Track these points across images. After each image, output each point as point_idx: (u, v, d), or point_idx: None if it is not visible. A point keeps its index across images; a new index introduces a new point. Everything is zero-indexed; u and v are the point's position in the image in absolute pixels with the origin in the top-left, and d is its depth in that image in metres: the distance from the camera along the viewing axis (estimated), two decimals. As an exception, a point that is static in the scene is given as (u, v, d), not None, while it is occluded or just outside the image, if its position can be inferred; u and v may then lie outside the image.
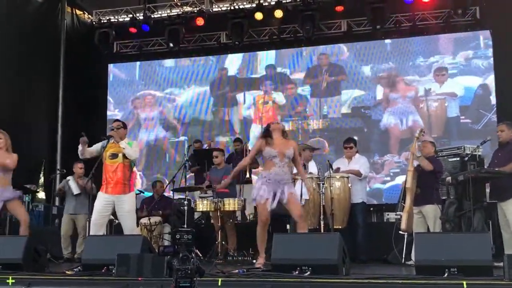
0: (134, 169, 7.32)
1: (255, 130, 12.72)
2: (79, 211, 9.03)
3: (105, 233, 7.43)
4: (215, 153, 9.12)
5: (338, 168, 8.41)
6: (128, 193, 6.91)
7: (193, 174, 10.84)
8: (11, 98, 11.25)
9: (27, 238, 6.39)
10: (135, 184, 12.34)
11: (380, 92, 12.17)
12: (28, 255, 6.14)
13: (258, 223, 6.55)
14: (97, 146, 7.08)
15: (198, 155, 10.60)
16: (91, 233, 6.73)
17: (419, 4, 11.51)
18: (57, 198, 9.75)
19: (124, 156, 6.87)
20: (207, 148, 10.86)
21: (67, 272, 6.07)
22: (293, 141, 6.98)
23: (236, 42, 12.44)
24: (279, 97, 12.81)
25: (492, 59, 11.46)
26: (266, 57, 13.08)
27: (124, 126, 7.17)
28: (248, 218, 10.16)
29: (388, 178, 11.81)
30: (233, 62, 13.26)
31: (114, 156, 6.91)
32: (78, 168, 9.20)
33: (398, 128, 11.97)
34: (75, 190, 9.03)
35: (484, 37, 11.66)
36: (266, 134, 6.62)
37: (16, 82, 11.40)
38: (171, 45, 12.93)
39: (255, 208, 10.75)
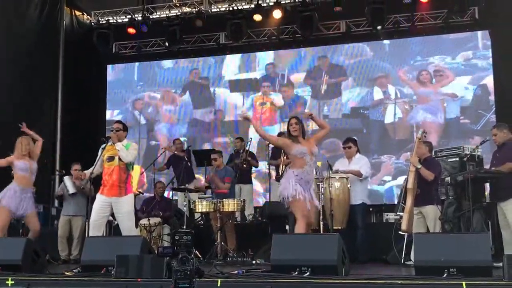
0: (141, 169, 7.34)
1: (254, 131, 12.71)
2: (76, 213, 9.02)
3: (104, 234, 7.45)
4: (213, 156, 9.11)
5: (337, 170, 8.39)
6: (125, 195, 6.90)
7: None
8: (10, 99, 11.23)
9: (26, 239, 6.39)
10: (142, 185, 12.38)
11: (378, 93, 12.16)
12: (27, 256, 6.14)
13: (298, 219, 6.47)
14: (96, 162, 7.05)
15: (196, 155, 10.63)
16: (90, 234, 6.74)
17: (418, 4, 11.51)
18: (56, 200, 9.75)
19: (120, 158, 6.87)
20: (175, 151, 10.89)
21: (66, 273, 6.07)
22: (311, 138, 7.04)
23: (236, 39, 12.40)
24: (278, 98, 12.81)
25: (491, 59, 11.46)
26: (265, 58, 13.08)
27: (124, 128, 7.15)
28: (247, 218, 10.17)
29: (388, 179, 11.81)
30: (232, 63, 13.26)
31: (110, 159, 6.93)
32: (73, 170, 9.18)
33: (397, 128, 11.97)
34: (71, 189, 8.99)
35: (483, 38, 11.65)
36: (289, 135, 6.72)
37: (15, 83, 11.38)
38: (170, 45, 12.92)
39: (255, 208, 10.84)
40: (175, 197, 10.40)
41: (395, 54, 12.19)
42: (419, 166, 7.32)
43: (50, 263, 8.01)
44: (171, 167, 11.04)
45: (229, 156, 10.86)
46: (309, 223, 6.65)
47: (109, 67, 13.95)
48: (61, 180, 9.80)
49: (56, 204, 10.25)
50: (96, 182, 7.23)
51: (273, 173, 10.24)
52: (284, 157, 9.69)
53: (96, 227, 6.77)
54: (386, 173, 11.83)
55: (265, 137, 7.43)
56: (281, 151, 9.89)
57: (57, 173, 11.52)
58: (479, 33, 11.70)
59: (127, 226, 6.91)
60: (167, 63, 13.70)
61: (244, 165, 10.04)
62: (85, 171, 7.22)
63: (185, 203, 8.86)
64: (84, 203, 9.04)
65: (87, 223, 6.93)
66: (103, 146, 6.99)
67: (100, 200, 6.85)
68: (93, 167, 6.97)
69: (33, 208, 7.80)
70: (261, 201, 11.75)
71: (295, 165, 6.62)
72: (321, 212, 7.68)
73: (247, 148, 10.37)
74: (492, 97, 11.39)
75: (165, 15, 13.03)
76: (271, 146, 10.63)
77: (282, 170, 9.69)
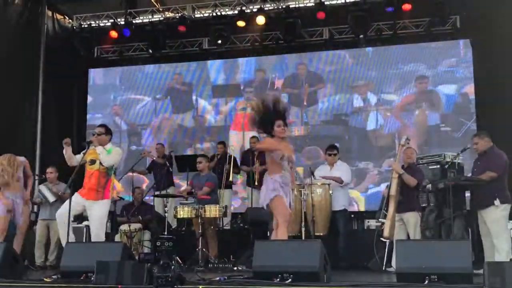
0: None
1: (234, 136, 12.68)
2: (53, 217, 8.90)
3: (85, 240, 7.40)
4: (199, 159, 9.08)
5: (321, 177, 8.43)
6: (101, 200, 6.86)
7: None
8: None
9: (5, 244, 6.30)
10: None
11: (360, 100, 12.21)
12: (5, 262, 6.05)
13: (280, 224, 6.20)
14: (80, 155, 7.02)
15: (180, 160, 10.60)
16: (59, 233, 6.78)
17: (400, 12, 11.59)
18: (35, 206, 9.64)
19: (101, 163, 6.83)
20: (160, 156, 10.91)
21: (45, 279, 5.98)
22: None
23: (219, 42, 12.36)
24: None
25: (472, 67, 11.57)
26: (248, 63, 13.08)
27: (107, 132, 7.09)
28: (229, 225, 10.14)
29: (370, 185, 11.85)
30: (214, 68, 13.24)
31: (92, 162, 6.92)
32: (49, 173, 9.10)
33: (379, 136, 12.02)
34: (50, 198, 8.90)
35: (464, 46, 11.76)
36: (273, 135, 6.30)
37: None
38: (152, 50, 12.87)
39: (236, 214, 10.82)
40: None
41: (378, 61, 12.25)
42: (402, 171, 7.39)
43: (28, 269, 7.91)
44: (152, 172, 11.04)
45: (210, 157, 10.83)
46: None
47: (91, 71, 13.82)
48: (40, 183, 9.68)
49: (35, 209, 10.13)
50: (77, 186, 7.15)
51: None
52: (258, 164, 9.65)
53: (61, 222, 6.68)
54: (368, 180, 11.87)
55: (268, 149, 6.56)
56: (254, 158, 9.85)
57: (36, 177, 11.38)
58: (461, 41, 11.81)
59: (96, 231, 6.86)
60: (150, 68, 13.63)
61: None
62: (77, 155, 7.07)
63: (166, 208, 8.80)
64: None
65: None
66: (84, 151, 6.94)
67: (76, 198, 6.81)
68: (73, 173, 6.87)
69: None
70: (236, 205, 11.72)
71: (273, 171, 6.31)
72: (303, 219, 7.69)
73: (230, 154, 10.34)
74: (472, 105, 11.49)
75: (148, 20, 12.97)
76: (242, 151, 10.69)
77: (257, 178, 9.49)
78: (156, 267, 3.82)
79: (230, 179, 9.98)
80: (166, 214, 8.66)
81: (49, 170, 9.12)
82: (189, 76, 13.31)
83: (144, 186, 11.11)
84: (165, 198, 9.42)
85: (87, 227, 8.78)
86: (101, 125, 7.26)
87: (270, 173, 6.34)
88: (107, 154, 6.90)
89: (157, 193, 9.67)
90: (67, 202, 6.76)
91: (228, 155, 10.25)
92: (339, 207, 8.30)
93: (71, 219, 6.86)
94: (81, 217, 8.33)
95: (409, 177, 7.39)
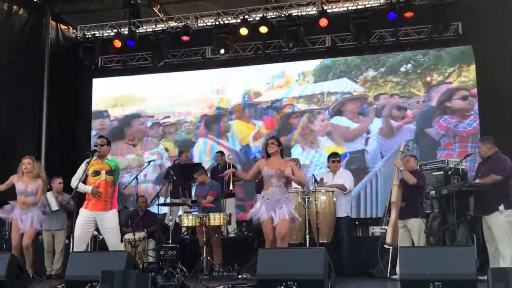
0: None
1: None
2: (58, 227, 8.95)
3: (89, 249, 7.39)
4: (194, 176, 9.20)
5: (322, 179, 8.44)
6: (110, 210, 6.79)
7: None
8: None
9: (10, 255, 6.31)
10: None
11: (364, 107, 12.22)
12: (11, 272, 6.07)
13: (266, 242, 6.66)
14: (80, 172, 6.95)
15: (180, 169, 10.60)
16: (74, 249, 6.67)
17: (402, 19, 11.61)
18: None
19: (107, 173, 6.80)
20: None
21: (50, 289, 6.01)
22: (290, 161, 7.03)
23: (222, 51, 12.37)
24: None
25: (474, 73, 11.57)
26: (251, 71, 13.10)
27: (108, 143, 7.08)
28: (234, 232, 10.15)
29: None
30: (218, 77, 13.26)
31: (96, 173, 6.82)
32: (57, 183, 9.13)
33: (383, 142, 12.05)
34: (54, 206, 8.92)
35: (466, 52, 11.77)
36: (266, 154, 6.85)
37: (-1, 97, 11.34)
38: (156, 60, 12.92)
39: (240, 223, 10.82)
40: (164, 211, 10.32)
41: (380, 68, 12.27)
42: (402, 168, 7.40)
43: (34, 279, 7.93)
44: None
45: (212, 169, 10.87)
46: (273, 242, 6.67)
47: (95, 81, 13.89)
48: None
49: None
50: (80, 197, 7.15)
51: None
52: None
53: (80, 243, 6.70)
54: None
55: (251, 176, 7.27)
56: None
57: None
58: (463, 48, 11.82)
59: (113, 241, 6.82)
60: (153, 77, 13.65)
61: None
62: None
63: (171, 217, 8.83)
64: (65, 217, 8.99)
65: (71, 237, 6.85)
66: (87, 160, 6.88)
67: (84, 215, 6.73)
68: (78, 182, 6.86)
69: (32, 227, 8.10)
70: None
71: (264, 187, 6.83)
72: (307, 226, 7.70)
73: (229, 162, 10.35)
74: (476, 111, 11.48)
75: (151, 30, 13.04)
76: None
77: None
78: (160, 276, 3.82)
79: (231, 187, 9.99)
80: (170, 222, 8.69)
81: (58, 180, 9.15)
82: (191, 83, 13.34)
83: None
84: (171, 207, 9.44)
85: (94, 236, 8.80)
86: (101, 136, 7.22)
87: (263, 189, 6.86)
88: (118, 161, 6.93)
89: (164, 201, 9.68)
90: (78, 226, 6.71)
91: (227, 164, 10.27)
92: (341, 214, 8.31)
93: (90, 237, 7.00)
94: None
95: (409, 175, 7.38)
